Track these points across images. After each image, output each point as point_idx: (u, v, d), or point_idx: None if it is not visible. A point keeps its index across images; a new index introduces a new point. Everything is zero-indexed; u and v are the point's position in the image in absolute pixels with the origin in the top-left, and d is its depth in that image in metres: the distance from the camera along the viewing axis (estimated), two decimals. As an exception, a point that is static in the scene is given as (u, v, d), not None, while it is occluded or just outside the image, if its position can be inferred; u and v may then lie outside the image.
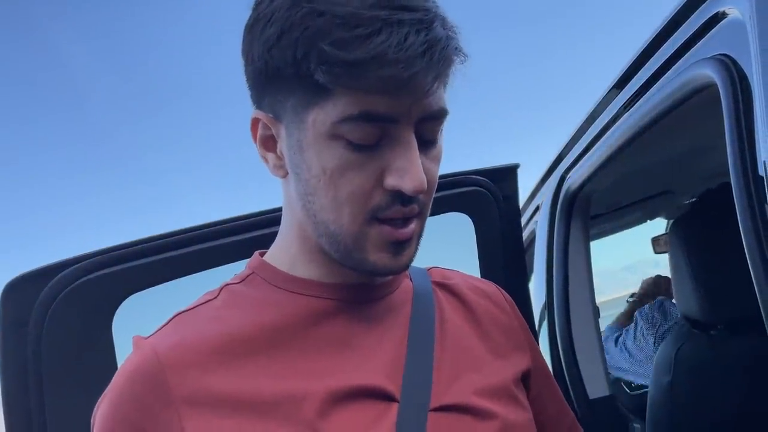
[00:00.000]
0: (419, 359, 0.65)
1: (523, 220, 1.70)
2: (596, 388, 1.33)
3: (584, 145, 1.34)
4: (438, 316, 0.70)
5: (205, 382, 0.58)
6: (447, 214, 1.11)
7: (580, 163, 1.37)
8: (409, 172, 0.57)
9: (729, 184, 0.74)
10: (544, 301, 1.48)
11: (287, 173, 0.63)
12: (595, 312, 1.45)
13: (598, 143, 1.26)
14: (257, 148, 0.65)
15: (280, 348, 0.61)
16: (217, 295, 0.66)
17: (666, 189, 1.96)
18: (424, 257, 0.67)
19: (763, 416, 1.08)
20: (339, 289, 0.66)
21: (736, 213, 0.72)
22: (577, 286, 1.41)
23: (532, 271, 1.58)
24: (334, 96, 0.55)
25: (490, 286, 0.80)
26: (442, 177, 0.92)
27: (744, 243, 0.71)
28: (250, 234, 1.02)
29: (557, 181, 1.47)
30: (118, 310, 0.97)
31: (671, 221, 2.12)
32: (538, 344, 0.83)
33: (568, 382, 1.34)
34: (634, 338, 1.79)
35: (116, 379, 0.60)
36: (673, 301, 1.75)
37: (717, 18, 0.84)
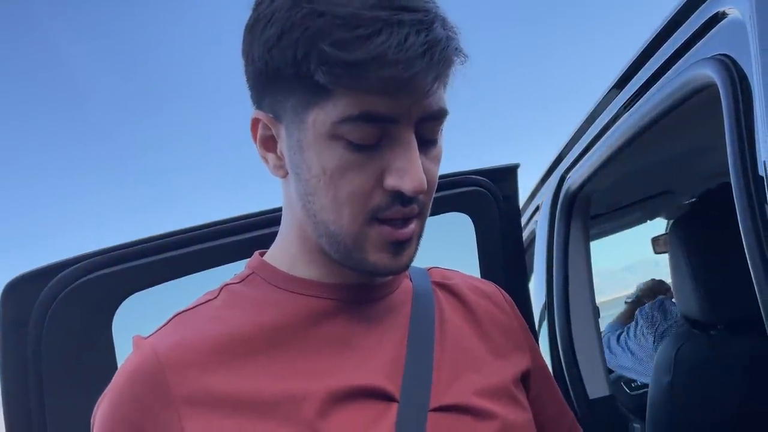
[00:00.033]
0: (419, 359, 0.65)
1: (523, 220, 1.69)
2: (596, 388, 1.33)
3: (584, 145, 1.33)
4: (438, 317, 0.70)
5: (205, 382, 0.58)
6: (447, 214, 1.11)
7: (580, 163, 1.37)
8: (409, 172, 0.57)
9: (729, 184, 0.73)
10: (544, 301, 1.48)
11: (287, 173, 0.63)
12: (595, 312, 1.45)
13: (598, 143, 1.26)
14: (257, 149, 0.65)
15: (280, 348, 0.61)
16: (217, 295, 0.66)
17: (666, 189, 1.96)
18: (424, 257, 0.67)
19: (763, 416, 1.08)
20: (339, 289, 0.66)
21: (736, 213, 0.72)
22: (577, 286, 1.41)
23: (532, 271, 1.57)
24: (335, 96, 0.55)
25: (490, 287, 0.80)
26: (442, 177, 0.92)
27: (744, 243, 0.70)
28: (250, 234, 1.02)
29: (557, 181, 1.47)
30: (118, 310, 0.97)
31: (671, 221, 2.12)
32: (538, 344, 0.83)
33: (568, 382, 1.34)
34: (635, 336, 1.79)
35: (116, 379, 0.60)
36: (673, 300, 1.75)
37: (717, 18, 0.83)
